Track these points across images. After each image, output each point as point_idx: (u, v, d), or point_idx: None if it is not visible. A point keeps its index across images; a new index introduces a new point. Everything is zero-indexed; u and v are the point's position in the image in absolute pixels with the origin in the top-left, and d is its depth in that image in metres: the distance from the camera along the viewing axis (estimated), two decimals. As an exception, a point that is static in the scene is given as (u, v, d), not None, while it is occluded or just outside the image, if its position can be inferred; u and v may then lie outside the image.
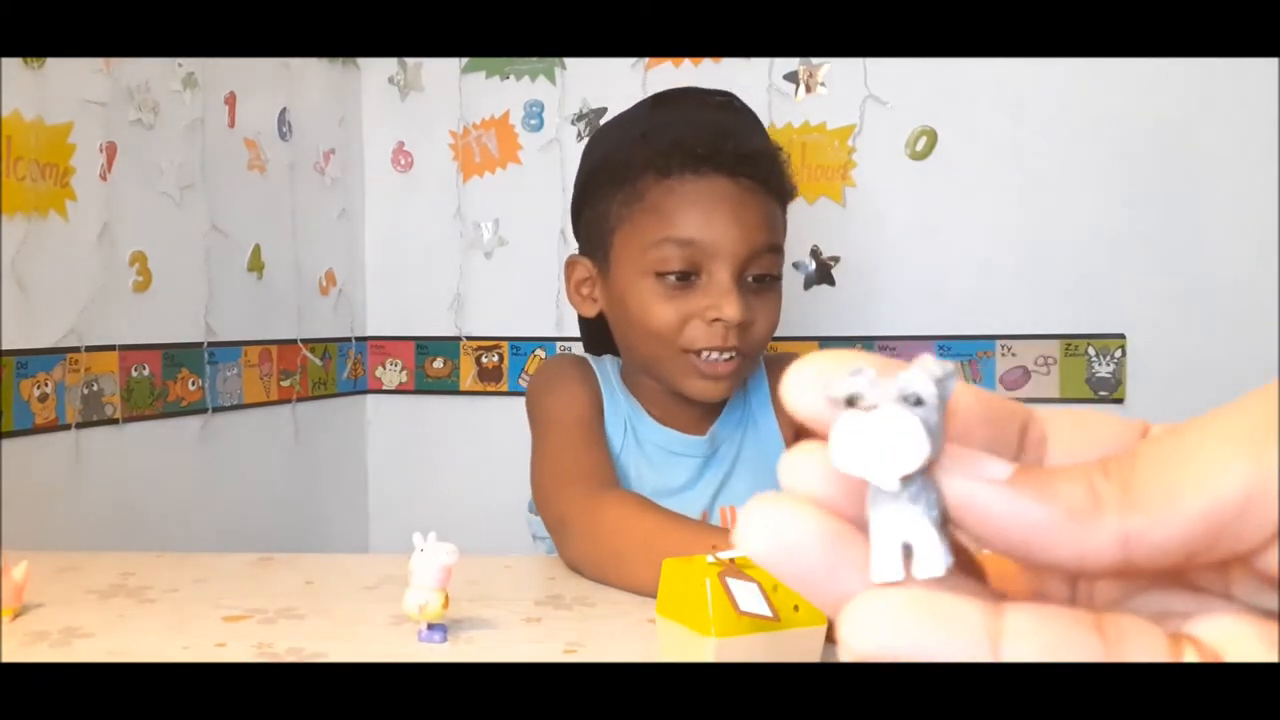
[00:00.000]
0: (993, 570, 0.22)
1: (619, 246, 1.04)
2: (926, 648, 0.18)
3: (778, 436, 1.11)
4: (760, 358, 1.08)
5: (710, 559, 0.65)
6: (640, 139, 1.04)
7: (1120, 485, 0.19)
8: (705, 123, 1.03)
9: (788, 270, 1.83)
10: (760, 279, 1.01)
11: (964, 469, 0.20)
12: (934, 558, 0.19)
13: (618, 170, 1.04)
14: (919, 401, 0.19)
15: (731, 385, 1.03)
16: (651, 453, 1.10)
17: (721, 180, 0.99)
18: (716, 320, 0.99)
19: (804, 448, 0.21)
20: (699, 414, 1.10)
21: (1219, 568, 0.20)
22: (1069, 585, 0.22)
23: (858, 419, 0.19)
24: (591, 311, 1.09)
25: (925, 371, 0.19)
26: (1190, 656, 0.18)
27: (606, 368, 1.13)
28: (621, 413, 1.10)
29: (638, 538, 0.87)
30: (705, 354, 1.01)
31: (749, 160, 1.00)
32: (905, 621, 0.18)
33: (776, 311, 1.04)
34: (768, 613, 0.63)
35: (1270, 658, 0.18)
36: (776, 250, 1.02)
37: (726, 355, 1.01)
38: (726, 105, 1.11)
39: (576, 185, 1.12)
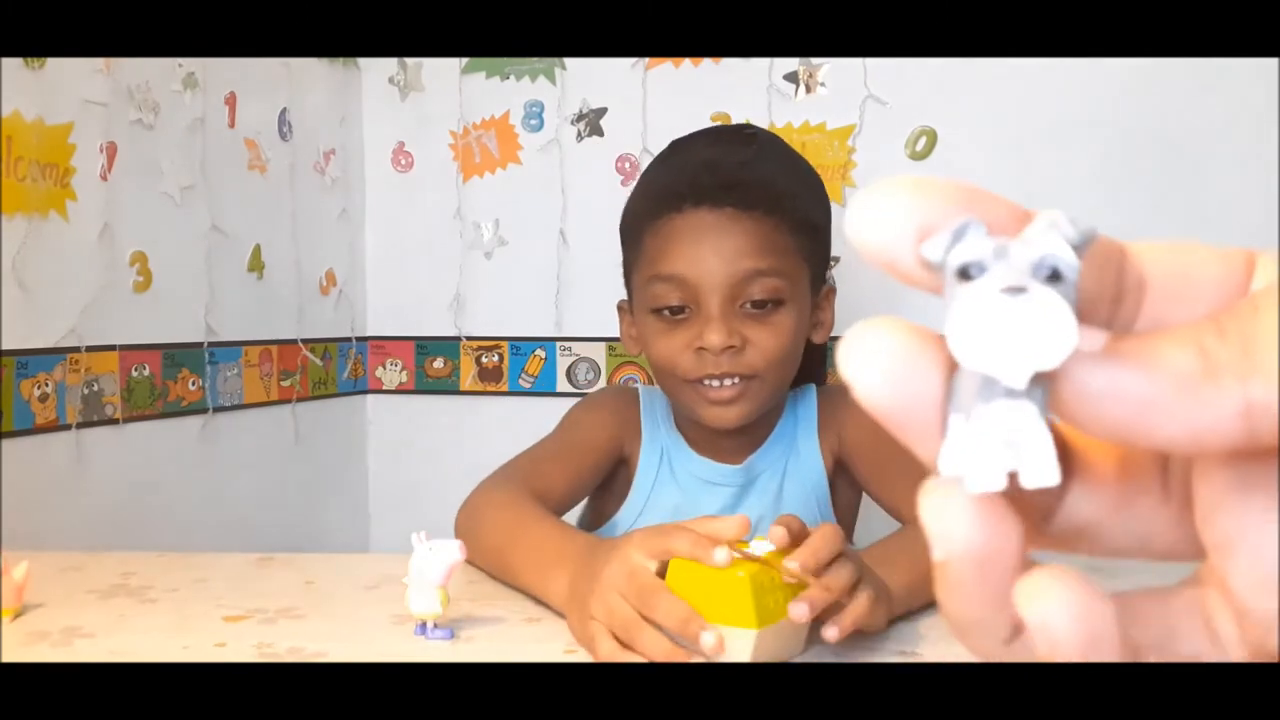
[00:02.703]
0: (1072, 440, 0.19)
1: (634, 290, 1.09)
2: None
3: (820, 467, 1.11)
4: (780, 381, 1.07)
5: (732, 555, 0.67)
6: (641, 189, 1.10)
7: (1240, 345, 0.16)
8: (695, 161, 1.06)
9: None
10: (760, 304, 1.02)
11: None
12: (1048, 463, 0.16)
13: (627, 222, 1.10)
14: (1056, 275, 0.16)
15: (743, 410, 1.03)
16: (686, 482, 1.11)
17: (703, 213, 1.01)
18: (702, 348, 1.00)
19: (945, 484, 0.17)
20: (739, 444, 1.11)
21: None
22: (1159, 468, 0.19)
23: (994, 302, 0.15)
24: (636, 351, 1.13)
25: (1059, 232, 0.16)
26: None
27: (655, 400, 1.15)
28: (659, 444, 1.13)
29: (492, 507, 0.96)
30: (704, 382, 1.02)
31: (730, 188, 1.01)
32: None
33: (783, 335, 1.03)
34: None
35: None
36: (773, 274, 1.01)
37: (724, 381, 1.01)
38: (732, 137, 1.11)
39: None
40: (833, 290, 1.12)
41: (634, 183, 1.14)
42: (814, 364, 1.18)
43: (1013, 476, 0.16)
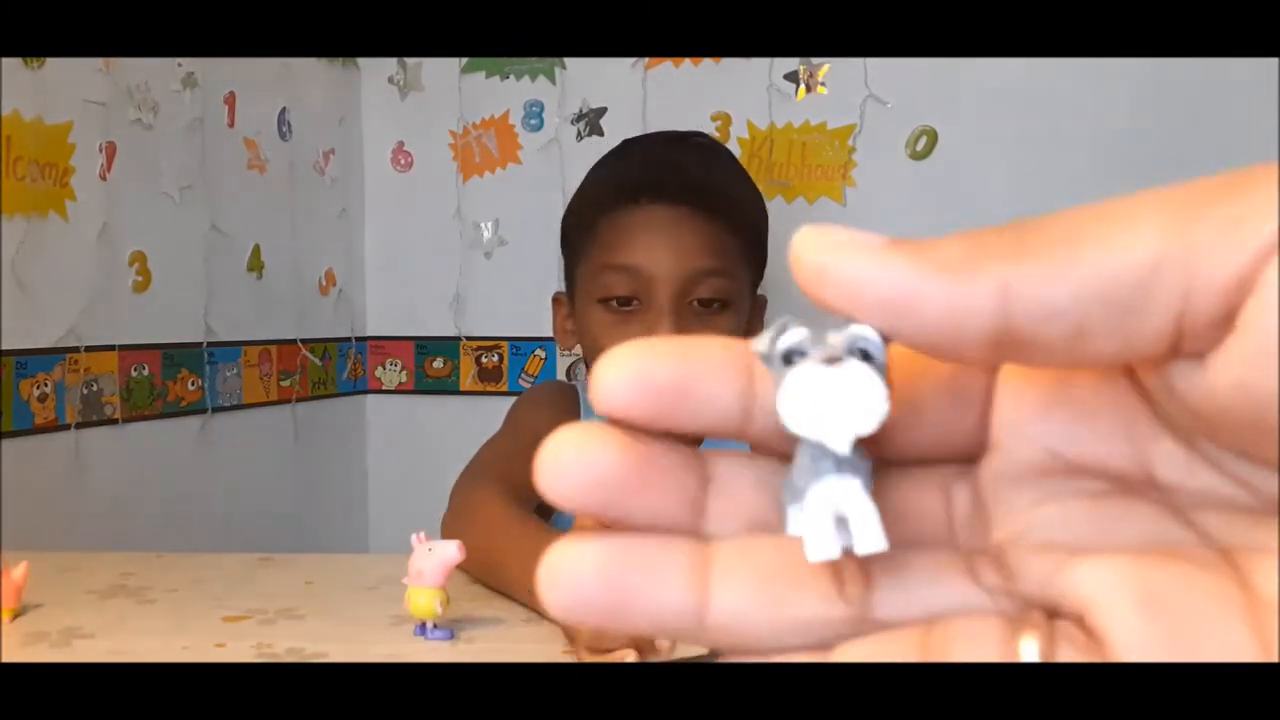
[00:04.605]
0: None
1: (578, 281, 1.09)
2: (629, 601, 0.17)
3: None
4: None
5: None
6: (595, 182, 1.11)
7: (1014, 235, 0.17)
8: (653, 158, 1.08)
9: (787, 271, 1.83)
10: (707, 304, 1.03)
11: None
12: (875, 531, 0.17)
13: (577, 212, 1.11)
14: (867, 356, 0.18)
15: None
16: None
17: (660, 208, 1.03)
18: None
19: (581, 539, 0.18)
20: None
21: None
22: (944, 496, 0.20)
23: (817, 373, 0.18)
24: (571, 345, 1.14)
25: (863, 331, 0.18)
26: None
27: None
28: None
29: (480, 511, 0.92)
30: None
31: (689, 189, 1.02)
32: (607, 570, 0.17)
33: (727, 336, 1.04)
34: None
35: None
36: (722, 275, 1.02)
37: None
38: (686, 142, 1.13)
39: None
40: (765, 300, 1.14)
41: None
42: None
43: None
